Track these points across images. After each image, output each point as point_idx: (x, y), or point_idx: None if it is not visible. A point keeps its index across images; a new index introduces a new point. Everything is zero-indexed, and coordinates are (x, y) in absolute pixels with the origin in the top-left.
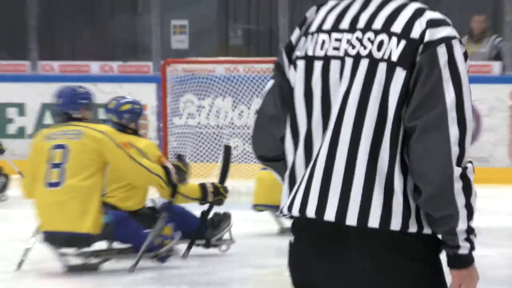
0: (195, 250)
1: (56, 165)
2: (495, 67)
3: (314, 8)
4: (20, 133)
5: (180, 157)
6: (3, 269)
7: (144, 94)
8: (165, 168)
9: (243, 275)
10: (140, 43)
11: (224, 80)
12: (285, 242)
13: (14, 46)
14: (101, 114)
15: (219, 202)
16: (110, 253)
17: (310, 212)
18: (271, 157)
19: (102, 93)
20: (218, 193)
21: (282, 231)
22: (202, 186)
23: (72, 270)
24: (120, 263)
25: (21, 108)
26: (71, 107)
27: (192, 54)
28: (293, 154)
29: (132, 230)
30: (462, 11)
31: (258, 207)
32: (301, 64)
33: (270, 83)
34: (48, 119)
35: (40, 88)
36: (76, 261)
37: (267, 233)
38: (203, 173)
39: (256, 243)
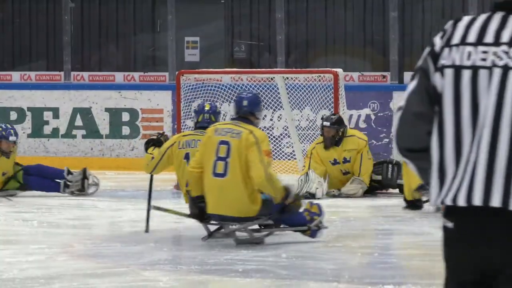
0: (204, 235)
1: (221, 158)
2: None
3: (451, 22)
4: (55, 133)
5: None
6: (37, 251)
7: (161, 100)
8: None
9: (246, 256)
10: (158, 56)
11: (230, 88)
12: None
13: (50, 59)
14: (125, 117)
15: (297, 208)
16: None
17: (478, 200)
18: (417, 148)
19: (125, 99)
20: (297, 199)
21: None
22: (286, 188)
23: (240, 243)
24: (138, 247)
25: (55, 112)
26: (256, 109)
27: (203, 66)
28: (440, 150)
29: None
30: (434, 27)
31: None
32: (449, 72)
33: (413, 84)
34: (78, 121)
35: (72, 95)
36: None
37: None
38: None
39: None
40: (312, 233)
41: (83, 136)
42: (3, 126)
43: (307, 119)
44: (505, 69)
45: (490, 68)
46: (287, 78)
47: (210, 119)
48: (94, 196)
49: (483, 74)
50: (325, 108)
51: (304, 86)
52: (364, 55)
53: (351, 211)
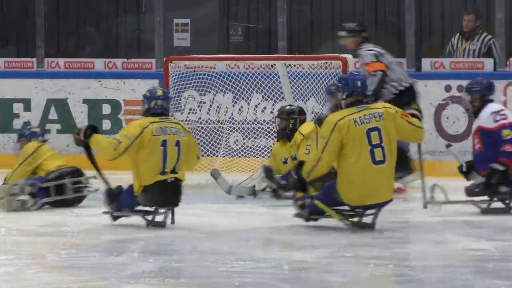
0: (195, 244)
1: (377, 146)
2: (487, 64)
3: None
4: None
5: None
6: (5, 262)
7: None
8: None
9: (242, 268)
10: (144, 40)
11: (225, 77)
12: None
13: (21, 44)
14: (106, 109)
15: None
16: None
17: None
18: None
19: (106, 89)
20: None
21: None
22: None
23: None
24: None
25: (26, 104)
26: (367, 90)
27: (194, 52)
28: None
29: None
30: (456, 10)
31: None
32: None
33: None
34: (53, 114)
35: (45, 84)
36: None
37: (265, 227)
38: (203, 167)
39: (253, 236)
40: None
41: (58, 131)
42: None
43: (312, 112)
44: None
45: None
46: (290, 65)
47: (163, 105)
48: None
49: None
50: None
51: (309, 75)
52: (376, 39)
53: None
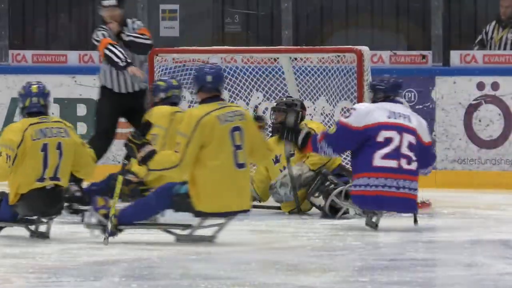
0: (186, 267)
1: (239, 147)
2: None
3: None
4: None
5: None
6: None
7: None
8: None
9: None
10: None
11: None
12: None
13: None
14: (80, 110)
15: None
16: None
17: None
18: None
19: (81, 86)
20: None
21: None
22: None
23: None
24: (98, 282)
25: None
26: (222, 85)
27: (183, 43)
28: None
29: None
30: None
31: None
32: None
33: None
34: (19, 116)
35: (10, 80)
36: None
37: (267, 247)
38: None
39: (253, 259)
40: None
41: None
42: None
43: (322, 113)
44: None
45: None
46: (296, 59)
47: (39, 102)
48: None
49: None
50: (345, 99)
51: (318, 70)
52: (397, 28)
53: (380, 234)
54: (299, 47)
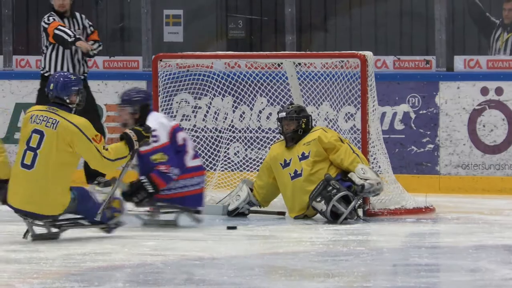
0: (190, 273)
1: (32, 149)
2: None
3: None
4: None
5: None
6: None
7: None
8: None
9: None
10: (129, 35)
11: (224, 77)
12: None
13: None
14: None
15: (146, 144)
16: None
17: None
18: None
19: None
20: (141, 137)
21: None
22: (127, 139)
23: (36, 239)
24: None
25: None
26: (63, 93)
27: (187, 48)
28: None
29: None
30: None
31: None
32: None
33: None
34: None
35: (14, 86)
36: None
37: (270, 252)
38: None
39: (256, 264)
40: (109, 230)
41: None
42: None
43: (325, 119)
44: None
45: None
46: (299, 64)
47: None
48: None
49: None
50: (349, 104)
51: (322, 75)
52: (400, 32)
53: (384, 239)
54: (302, 52)
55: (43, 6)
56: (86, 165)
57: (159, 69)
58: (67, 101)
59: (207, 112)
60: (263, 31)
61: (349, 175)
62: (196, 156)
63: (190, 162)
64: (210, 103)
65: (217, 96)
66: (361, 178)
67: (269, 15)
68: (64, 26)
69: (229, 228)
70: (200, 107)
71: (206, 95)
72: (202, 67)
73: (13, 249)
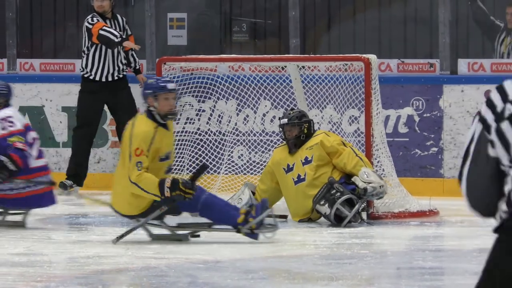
0: (194, 276)
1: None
2: None
3: (495, 91)
4: None
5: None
6: None
7: (137, 96)
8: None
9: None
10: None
11: (227, 81)
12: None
13: None
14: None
15: (178, 197)
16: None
17: None
18: (484, 214)
19: None
20: (174, 188)
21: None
22: (160, 184)
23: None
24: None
25: None
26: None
27: (191, 51)
28: None
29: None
30: (503, 3)
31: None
32: None
33: (478, 132)
34: None
35: (18, 89)
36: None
37: (274, 255)
38: (202, 186)
39: (260, 267)
40: (249, 235)
41: None
42: None
43: (329, 122)
44: None
45: None
46: (303, 67)
47: None
48: (47, 223)
49: None
50: (353, 107)
51: (326, 78)
52: (404, 35)
53: (387, 243)
54: (306, 55)
55: (46, 9)
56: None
57: (163, 72)
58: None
59: (211, 115)
60: (267, 34)
61: (352, 179)
62: (40, 156)
63: (34, 163)
64: (214, 106)
65: (221, 99)
66: (364, 182)
67: (273, 19)
68: (108, 27)
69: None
70: (204, 110)
71: (210, 98)
72: (206, 70)
73: (17, 253)
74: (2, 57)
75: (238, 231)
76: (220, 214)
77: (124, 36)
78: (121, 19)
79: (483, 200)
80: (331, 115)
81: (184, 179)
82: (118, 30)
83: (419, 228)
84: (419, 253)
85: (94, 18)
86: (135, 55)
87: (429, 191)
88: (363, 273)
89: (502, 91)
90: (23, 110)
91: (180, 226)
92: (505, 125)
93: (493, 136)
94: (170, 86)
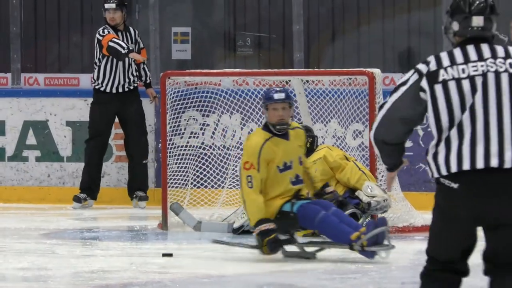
0: None
1: None
2: None
3: (432, 56)
4: (0, 155)
5: None
6: None
7: (148, 108)
8: None
9: None
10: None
11: (232, 95)
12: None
13: None
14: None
15: (257, 243)
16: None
17: (494, 163)
18: (390, 142)
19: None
20: (264, 236)
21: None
22: (261, 221)
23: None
24: None
25: (0, 126)
26: None
27: (195, 66)
28: (444, 134)
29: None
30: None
31: None
32: (452, 83)
33: (402, 91)
34: (32, 138)
35: (22, 104)
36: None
37: (279, 270)
38: (207, 200)
39: (264, 281)
40: (364, 253)
41: (37, 159)
42: None
43: (333, 136)
44: (496, 73)
45: (484, 75)
46: (307, 81)
47: None
48: (51, 238)
49: (478, 80)
50: (357, 121)
51: (330, 92)
52: (408, 49)
53: (392, 257)
54: (310, 69)
55: (51, 24)
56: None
57: (167, 86)
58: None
59: (215, 129)
60: (271, 48)
61: (356, 193)
62: None
63: None
64: (218, 121)
65: (225, 113)
66: (368, 196)
67: (277, 33)
68: (118, 39)
69: (164, 255)
70: (208, 125)
71: (214, 112)
72: (210, 84)
73: (21, 267)
74: (7, 72)
75: (351, 248)
76: (336, 231)
77: (131, 48)
78: (133, 31)
79: (391, 131)
80: (335, 129)
81: (279, 237)
82: (129, 42)
83: (424, 243)
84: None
85: (105, 30)
86: (146, 69)
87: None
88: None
89: (438, 59)
90: (27, 124)
91: (311, 243)
92: (438, 88)
93: (427, 95)
94: (277, 96)
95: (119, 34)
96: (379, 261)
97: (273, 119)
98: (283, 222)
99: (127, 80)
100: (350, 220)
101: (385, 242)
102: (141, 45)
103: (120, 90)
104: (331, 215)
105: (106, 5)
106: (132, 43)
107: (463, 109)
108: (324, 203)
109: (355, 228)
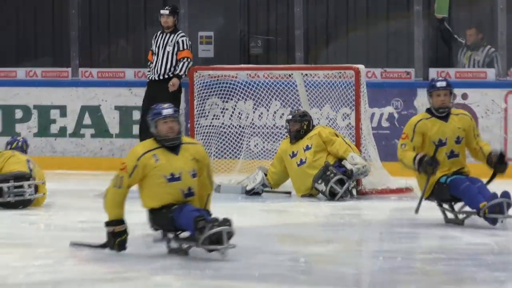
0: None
1: None
2: (490, 73)
3: None
4: (62, 132)
5: None
6: (44, 255)
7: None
8: None
9: (263, 260)
10: None
11: (246, 85)
12: (299, 231)
13: (57, 54)
14: (136, 115)
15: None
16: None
17: None
18: None
19: (136, 96)
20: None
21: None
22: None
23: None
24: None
25: (62, 110)
26: None
27: (217, 62)
28: None
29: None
30: (464, 25)
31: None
32: None
33: None
34: (87, 119)
35: (80, 92)
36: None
37: (282, 223)
38: (226, 168)
39: (271, 232)
40: (487, 219)
41: (92, 136)
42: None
43: (327, 118)
44: None
45: None
46: (306, 74)
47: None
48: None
49: None
50: (345, 106)
51: (324, 83)
52: (387, 49)
53: (372, 213)
54: (309, 65)
55: (102, 30)
56: None
57: (194, 78)
58: None
59: (233, 112)
60: (277, 48)
61: (342, 162)
62: None
63: None
64: (235, 105)
65: (241, 100)
66: (351, 164)
67: (282, 36)
68: (191, 60)
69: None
70: (227, 109)
71: (232, 99)
72: (229, 77)
73: (80, 220)
74: (68, 67)
75: (478, 214)
76: (471, 198)
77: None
78: (176, 35)
79: None
80: (328, 113)
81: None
82: (164, 43)
83: (398, 202)
84: (398, 221)
85: (154, 37)
86: (185, 64)
87: (405, 173)
88: (353, 237)
89: None
90: (84, 109)
91: (461, 212)
92: None
93: None
94: (439, 84)
95: (163, 35)
96: (365, 216)
97: (436, 103)
98: (437, 189)
99: (159, 71)
100: (487, 193)
101: (505, 211)
102: (181, 48)
103: (155, 78)
104: (472, 185)
105: (162, 11)
106: (167, 44)
107: None
108: (474, 179)
109: (488, 199)
